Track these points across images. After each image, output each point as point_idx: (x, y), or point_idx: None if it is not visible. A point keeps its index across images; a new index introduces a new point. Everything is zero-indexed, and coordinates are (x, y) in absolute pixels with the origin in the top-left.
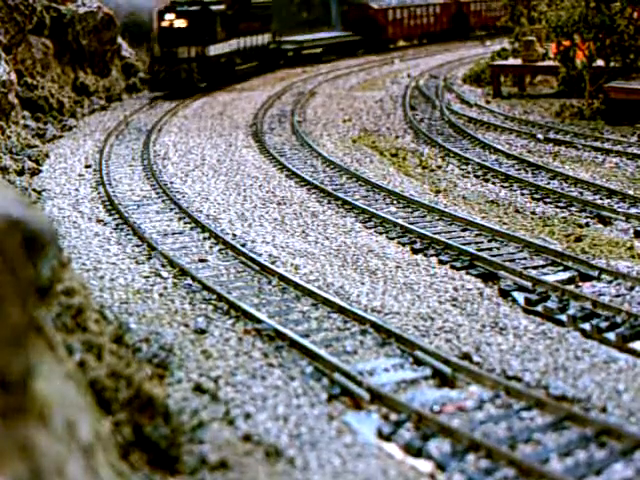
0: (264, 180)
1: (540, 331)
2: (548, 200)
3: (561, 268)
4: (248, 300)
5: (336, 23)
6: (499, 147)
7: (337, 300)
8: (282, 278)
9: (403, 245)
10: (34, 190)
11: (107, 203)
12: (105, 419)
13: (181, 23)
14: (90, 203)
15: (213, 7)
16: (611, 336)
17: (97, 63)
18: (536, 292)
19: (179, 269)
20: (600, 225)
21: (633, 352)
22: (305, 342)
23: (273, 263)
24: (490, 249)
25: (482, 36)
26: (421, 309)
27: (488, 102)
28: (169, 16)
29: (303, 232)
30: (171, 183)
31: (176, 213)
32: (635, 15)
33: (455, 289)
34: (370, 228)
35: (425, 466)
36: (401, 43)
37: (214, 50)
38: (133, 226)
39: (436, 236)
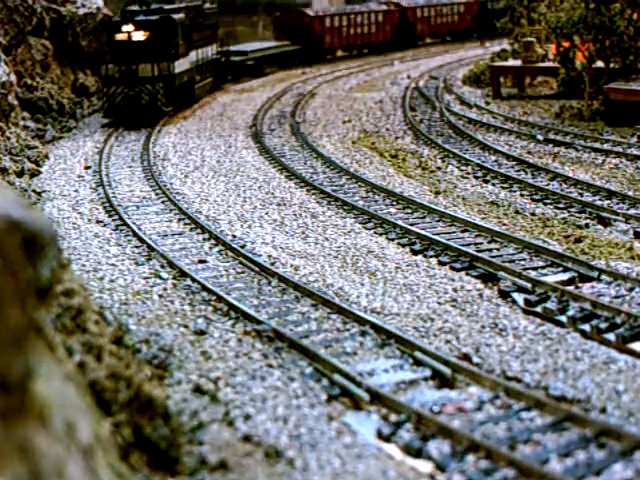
0: (264, 181)
1: (540, 332)
2: (548, 201)
3: (561, 269)
4: (248, 301)
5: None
6: (499, 148)
7: (337, 301)
8: (282, 279)
9: (403, 246)
10: (34, 191)
11: (107, 204)
12: (105, 420)
13: (141, 35)
14: (90, 204)
15: (175, 16)
16: (611, 337)
17: (97, 64)
18: (536, 293)
19: (179, 270)
20: (600, 226)
21: (633, 353)
22: (305, 343)
23: (273, 264)
24: (490, 250)
25: (432, 44)
26: (421, 310)
27: (488, 103)
28: (126, 27)
29: (303, 233)
30: (171, 184)
31: (176, 214)
32: (635, 16)
33: (455, 290)
34: (370, 229)
35: (425, 467)
36: (339, 53)
37: (179, 67)
38: (132, 227)
39: (436, 237)
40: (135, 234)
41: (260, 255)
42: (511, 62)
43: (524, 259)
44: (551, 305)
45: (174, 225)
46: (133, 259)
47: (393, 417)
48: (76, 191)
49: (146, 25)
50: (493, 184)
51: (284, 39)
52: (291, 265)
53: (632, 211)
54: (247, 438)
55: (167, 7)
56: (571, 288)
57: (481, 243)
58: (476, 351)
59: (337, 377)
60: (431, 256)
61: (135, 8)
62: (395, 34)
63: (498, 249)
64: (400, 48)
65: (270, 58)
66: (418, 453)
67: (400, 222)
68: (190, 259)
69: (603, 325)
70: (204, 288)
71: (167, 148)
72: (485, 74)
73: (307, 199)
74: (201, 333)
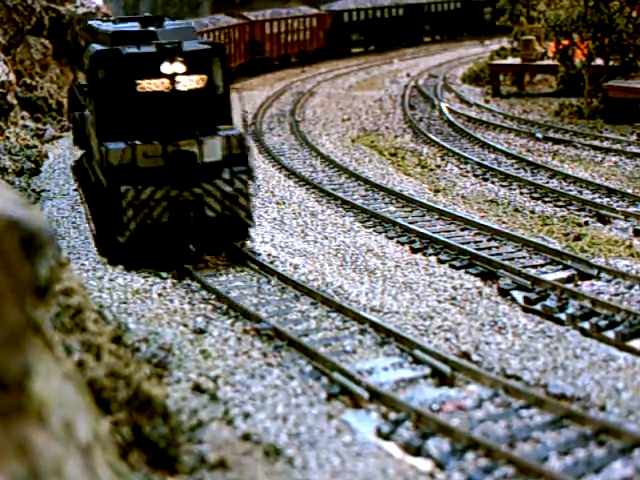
0: (263, 180)
1: (539, 330)
2: (547, 199)
3: (560, 267)
4: (247, 300)
5: None
6: (498, 146)
7: (336, 299)
8: (281, 277)
9: (402, 244)
10: (33, 190)
11: None
12: (104, 419)
13: (193, 81)
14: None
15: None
16: (610, 334)
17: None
18: (535, 291)
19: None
20: (599, 224)
21: (632, 350)
22: (304, 341)
23: (272, 262)
24: (489, 248)
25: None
26: (420, 308)
27: (487, 101)
28: (168, 67)
29: (302, 232)
30: None
31: None
32: (634, 14)
33: (454, 288)
34: (369, 227)
35: (424, 465)
36: None
37: None
38: None
39: (435, 235)
40: None
41: (259, 254)
42: (510, 60)
43: (523, 257)
44: (550, 303)
45: None
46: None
47: (392, 415)
48: (75, 190)
49: (198, 60)
50: (492, 182)
51: None
52: (290, 263)
53: (631, 209)
54: (246, 437)
55: (186, 24)
56: (570, 286)
57: (480, 241)
58: (475, 349)
59: (336, 375)
60: (430, 254)
61: (134, 26)
62: (248, 56)
63: (497, 247)
64: (248, 74)
65: None
66: (417, 451)
67: (399, 220)
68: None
69: (602, 323)
70: (203, 287)
71: None
72: (484, 72)
73: (306, 197)
74: (200, 332)
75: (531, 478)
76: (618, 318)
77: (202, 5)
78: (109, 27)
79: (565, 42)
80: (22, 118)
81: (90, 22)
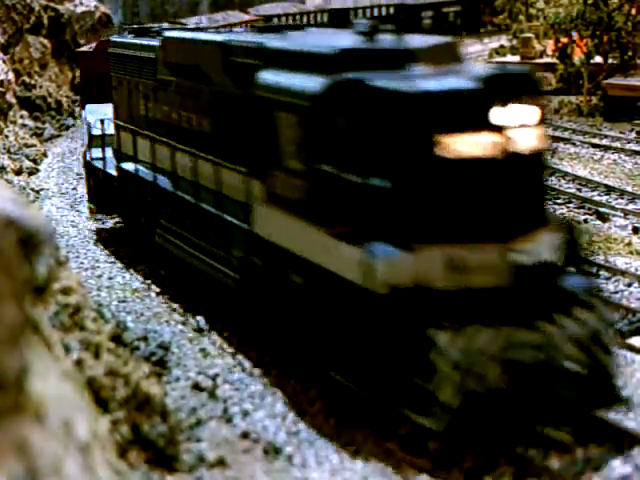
0: None
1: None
2: (546, 197)
3: None
4: None
5: None
6: None
7: None
8: None
9: None
10: (32, 189)
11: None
12: (103, 418)
13: (535, 137)
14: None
15: None
16: None
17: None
18: None
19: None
20: (598, 221)
21: (631, 348)
22: None
23: None
24: None
25: None
26: None
27: None
28: (500, 115)
29: None
30: None
31: None
32: (633, 12)
33: None
34: None
35: (425, 462)
36: None
37: None
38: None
39: None
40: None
41: None
42: (509, 58)
43: None
44: None
45: None
46: (132, 257)
47: None
48: (74, 189)
49: (537, 100)
50: None
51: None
52: None
53: (630, 206)
54: (245, 435)
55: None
56: None
57: None
58: None
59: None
60: None
61: (356, 41)
62: None
63: None
64: None
65: None
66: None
67: None
68: None
69: None
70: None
71: None
72: None
73: None
74: (200, 330)
75: (531, 475)
76: (617, 316)
77: (201, 4)
78: (317, 44)
79: (564, 40)
80: (21, 117)
81: (170, 33)
